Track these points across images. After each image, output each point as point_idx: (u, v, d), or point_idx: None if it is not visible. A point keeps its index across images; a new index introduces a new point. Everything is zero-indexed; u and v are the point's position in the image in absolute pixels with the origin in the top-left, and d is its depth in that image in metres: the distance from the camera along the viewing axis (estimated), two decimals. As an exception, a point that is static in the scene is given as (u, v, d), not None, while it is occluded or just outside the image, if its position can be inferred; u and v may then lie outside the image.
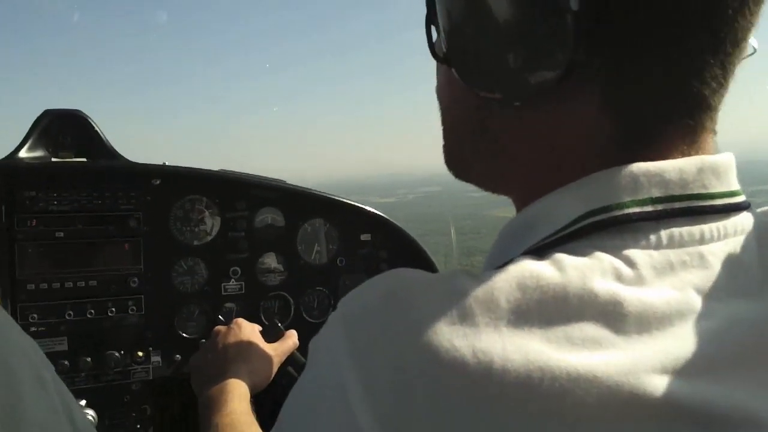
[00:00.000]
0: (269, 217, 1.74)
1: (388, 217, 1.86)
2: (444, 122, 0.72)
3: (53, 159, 1.55)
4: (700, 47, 0.53)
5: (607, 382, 0.46)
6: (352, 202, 1.84)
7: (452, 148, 0.72)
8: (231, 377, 1.31)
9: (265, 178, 1.77)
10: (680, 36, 0.53)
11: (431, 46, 0.65)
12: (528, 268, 0.51)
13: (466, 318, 0.49)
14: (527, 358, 0.47)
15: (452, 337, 0.48)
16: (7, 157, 1.50)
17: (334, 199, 1.82)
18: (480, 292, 0.50)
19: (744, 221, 0.58)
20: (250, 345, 1.45)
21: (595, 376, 0.46)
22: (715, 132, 0.59)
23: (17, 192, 1.48)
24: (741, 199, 0.58)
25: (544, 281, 0.50)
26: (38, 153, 1.54)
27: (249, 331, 1.50)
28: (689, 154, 0.57)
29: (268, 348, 1.47)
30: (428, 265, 1.83)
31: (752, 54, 0.61)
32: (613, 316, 0.49)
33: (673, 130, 0.56)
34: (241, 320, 1.56)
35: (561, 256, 0.52)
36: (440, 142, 0.74)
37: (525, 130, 0.61)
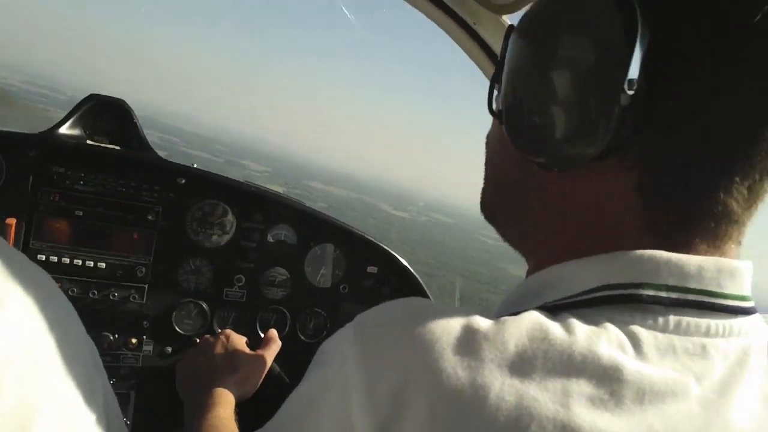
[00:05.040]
0: (282, 233, 1.78)
1: (396, 255, 1.90)
2: (486, 169, 0.75)
3: (88, 141, 1.60)
4: (732, 167, 0.56)
5: None
6: (365, 235, 1.88)
7: (487, 195, 0.76)
8: (217, 386, 1.33)
9: (287, 198, 1.81)
10: (717, 153, 0.56)
11: (490, 99, 0.69)
12: (539, 321, 0.55)
13: (473, 352, 0.52)
14: (521, 401, 0.50)
15: (457, 365, 0.52)
16: (46, 132, 1.55)
17: (348, 228, 1.86)
18: (492, 332, 0.54)
19: (750, 325, 0.60)
20: (237, 355, 1.48)
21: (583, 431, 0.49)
22: (739, 243, 0.62)
23: (48, 166, 1.53)
24: (750, 304, 0.60)
25: (552, 336, 0.53)
26: (76, 133, 1.59)
27: (237, 341, 1.54)
28: (710, 255, 0.59)
29: (255, 358, 1.50)
30: None
31: None
32: (612, 380, 0.51)
33: (697, 230, 0.58)
34: (229, 331, 1.60)
35: (572, 320, 0.55)
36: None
37: (558, 198, 0.65)
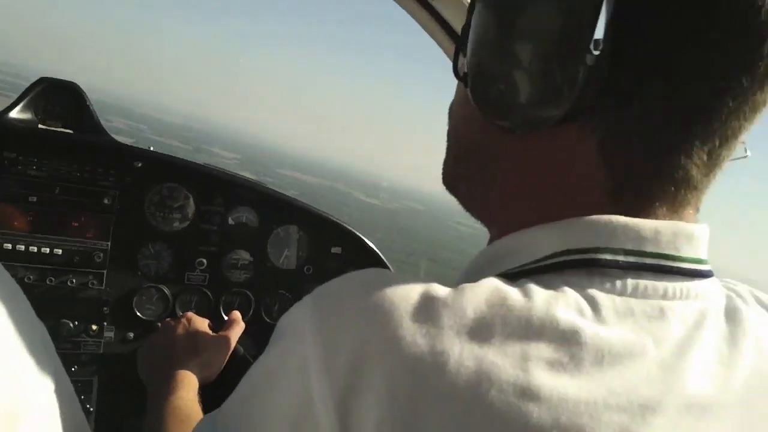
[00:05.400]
0: (244, 216, 1.76)
1: (361, 236, 1.89)
2: (449, 138, 0.75)
3: (40, 125, 1.55)
4: (693, 131, 0.56)
5: (556, 406, 0.50)
6: (329, 215, 1.87)
7: (450, 164, 0.75)
8: (179, 369, 1.33)
9: (246, 179, 1.80)
10: (678, 116, 0.56)
11: (455, 63, 0.69)
12: (498, 287, 0.55)
13: (432, 319, 0.53)
14: (480, 366, 0.50)
15: (415, 332, 0.52)
16: None
17: (311, 209, 1.85)
18: (450, 298, 0.54)
19: (707, 289, 0.61)
20: (199, 338, 1.47)
21: (543, 395, 0.50)
22: (697, 210, 0.63)
23: None
24: (707, 267, 0.62)
25: (511, 302, 0.54)
26: (27, 117, 1.54)
27: (199, 324, 1.53)
28: (668, 219, 0.60)
29: (218, 340, 1.49)
30: None
31: (743, 158, 0.65)
32: (571, 343, 0.52)
33: (657, 194, 0.59)
34: (190, 314, 1.59)
35: (531, 285, 0.56)
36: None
37: (521, 161, 0.64)
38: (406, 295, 0.55)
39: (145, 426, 1.18)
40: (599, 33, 0.53)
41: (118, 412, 1.63)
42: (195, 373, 1.34)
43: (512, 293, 0.55)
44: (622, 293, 0.56)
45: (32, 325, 0.63)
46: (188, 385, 1.28)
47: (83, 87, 1.61)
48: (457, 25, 1.26)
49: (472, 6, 0.64)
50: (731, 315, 0.62)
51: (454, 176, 0.75)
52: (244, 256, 1.77)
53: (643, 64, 0.55)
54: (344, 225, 1.88)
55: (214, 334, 1.53)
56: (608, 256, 0.57)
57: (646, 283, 0.57)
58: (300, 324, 0.57)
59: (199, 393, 1.29)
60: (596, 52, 0.53)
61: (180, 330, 1.49)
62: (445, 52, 1.36)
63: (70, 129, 1.58)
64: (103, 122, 1.63)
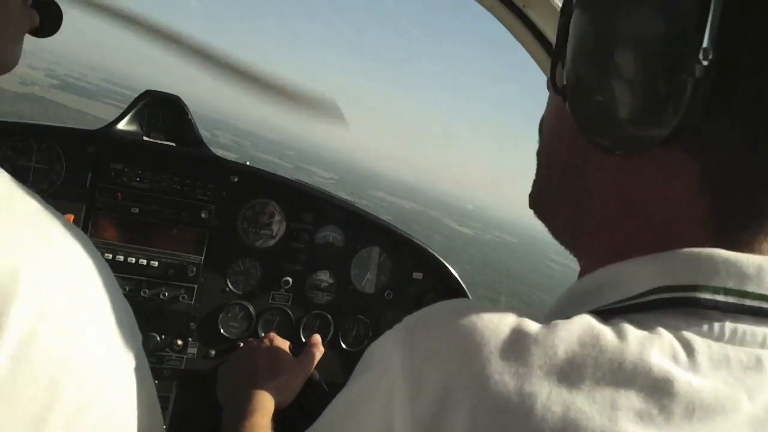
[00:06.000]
0: (330, 235, 1.75)
1: (444, 261, 1.84)
2: (540, 156, 0.71)
3: (145, 138, 1.61)
4: None
5: None
6: (413, 238, 1.83)
7: (539, 184, 0.72)
8: (258, 391, 1.31)
9: (335, 196, 1.79)
10: None
11: (552, 75, 0.65)
12: (591, 326, 0.52)
13: (521, 357, 0.50)
14: (568, 413, 0.48)
15: (504, 371, 0.50)
16: (104, 128, 1.58)
17: (396, 230, 1.81)
18: (541, 335, 0.51)
19: None
20: (279, 361, 1.46)
21: None
22: None
23: (106, 162, 1.55)
24: None
25: (604, 342, 0.51)
26: (133, 129, 1.60)
27: (281, 345, 1.52)
28: None
29: (298, 364, 1.47)
30: None
31: None
32: (662, 393, 0.49)
33: (763, 227, 0.55)
34: (273, 334, 1.59)
35: (624, 325, 0.52)
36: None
37: (619, 185, 0.60)
38: (497, 329, 0.53)
39: None
40: (708, 40, 0.47)
41: (191, 430, 1.64)
42: (272, 396, 1.33)
43: (606, 333, 0.52)
44: (719, 339, 0.53)
45: (123, 304, 0.65)
46: (264, 410, 1.26)
47: (187, 101, 1.66)
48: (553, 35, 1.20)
49: (567, 10, 0.60)
50: None
51: (543, 194, 0.72)
52: (328, 276, 1.76)
53: (759, 75, 0.49)
54: (427, 248, 1.83)
55: (294, 356, 1.51)
56: (708, 296, 0.53)
57: (745, 328, 0.53)
58: (388, 355, 0.56)
59: (273, 418, 1.27)
60: (705, 62, 0.47)
61: (262, 350, 1.49)
62: (538, 64, 1.29)
63: (173, 142, 1.63)
64: (208, 135, 1.66)
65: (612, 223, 0.62)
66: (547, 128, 0.70)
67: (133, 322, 0.68)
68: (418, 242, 1.83)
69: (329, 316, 1.76)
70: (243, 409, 1.25)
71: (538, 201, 0.72)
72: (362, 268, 1.79)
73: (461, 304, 0.58)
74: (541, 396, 0.48)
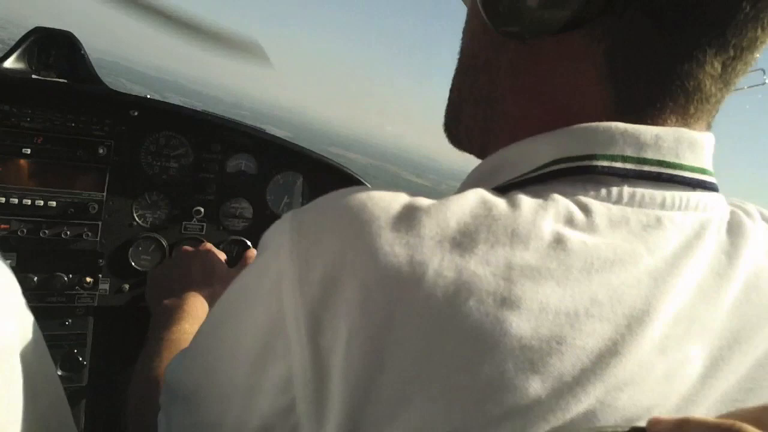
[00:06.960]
0: (242, 163, 1.72)
1: (365, 181, 1.82)
2: (458, 63, 0.70)
3: (34, 76, 1.52)
4: (706, 39, 0.52)
5: (536, 315, 0.47)
6: (332, 161, 1.81)
7: (453, 96, 0.71)
8: (190, 297, 1.28)
9: (245, 124, 1.74)
10: (691, 23, 0.52)
11: None
12: (484, 199, 0.52)
13: (412, 229, 0.50)
14: (460, 276, 0.48)
15: (394, 242, 0.49)
16: None
17: (313, 154, 1.79)
18: (433, 209, 0.51)
19: (709, 201, 0.57)
20: (215, 269, 1.43)
21: (523, 304, 0.47)
22: (709, 126, 0.59)
23: None
24: (711, 179, 0.57)
25: (496, 212, 0.51)
26: (20, 67, 1.51)
27: (216, 256, 1.49)
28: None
29: (231, 276, 1.43)
30: None
31: (761, 84, 0.62)
32: (558, 251, 0.49)
33: (666, 105, 0.55)
34: (209, 244, 1.55)
35: (519, 196, 0.53)
36: None
37: (526, 78, 0.60)
38: (388, 206, 0.52)
39: (141, 356, 1.13)
40: None
41: (112, 365, 1.62)
42: (204, 304, 1.29)
43: (499, 204, 0.52)
44: (617, 202, 0.53)
45: None
46: (195, 318, 1.22)
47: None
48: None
49: None
50: (734, 228, 0.57)
51: (456, 112, 0.70)
52: (243, 204, 1.73)
53: None
54: (347, 170, 1.81)
55: (228, 268, 1.48)
56: (605, 163, 0.54)
57: (644, 191, 0.54)
58: (277, 240, 0.55)
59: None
60: None
61: (198, 255, 1.46)
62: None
63: (65, 79, 1.55)
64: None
65: (521, 114, 0.62)
66: (463, 33, 0.69)
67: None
68: (337, 164, 1.81)
69: (248, 242, 1.73)
70: (173, 313, 1.21)
71: (452, 115, 0.71)
72: (278, 193, 1.76)
73: (354, 188, 0.57)
74: (433, 263, 0.48)
